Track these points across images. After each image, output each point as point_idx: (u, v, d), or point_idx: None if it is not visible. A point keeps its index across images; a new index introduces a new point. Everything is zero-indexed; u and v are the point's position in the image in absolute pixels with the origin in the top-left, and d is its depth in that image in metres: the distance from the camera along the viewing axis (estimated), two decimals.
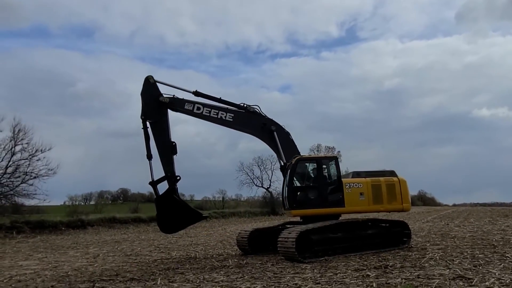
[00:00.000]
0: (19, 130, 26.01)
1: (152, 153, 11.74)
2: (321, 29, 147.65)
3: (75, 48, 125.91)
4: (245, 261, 10.20)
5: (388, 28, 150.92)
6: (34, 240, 21.37)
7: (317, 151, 58.81)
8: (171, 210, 11.44)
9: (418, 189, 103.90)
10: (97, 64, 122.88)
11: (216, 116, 11.91)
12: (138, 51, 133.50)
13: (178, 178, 11.70)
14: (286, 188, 11.19)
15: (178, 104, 11.92)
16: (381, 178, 11.50)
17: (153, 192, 11.90)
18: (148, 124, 11.74)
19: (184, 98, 12.05)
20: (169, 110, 11.99)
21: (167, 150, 11.68)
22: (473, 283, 6.10)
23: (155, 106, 11.72)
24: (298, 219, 12.09)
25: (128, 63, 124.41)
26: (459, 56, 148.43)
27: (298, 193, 11.28)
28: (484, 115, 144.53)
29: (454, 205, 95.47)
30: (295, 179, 11.25)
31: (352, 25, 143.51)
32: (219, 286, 7.04)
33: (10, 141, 25.78)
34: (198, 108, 11.91)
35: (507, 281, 6.13)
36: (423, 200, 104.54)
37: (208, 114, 11.88)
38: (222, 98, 12.13)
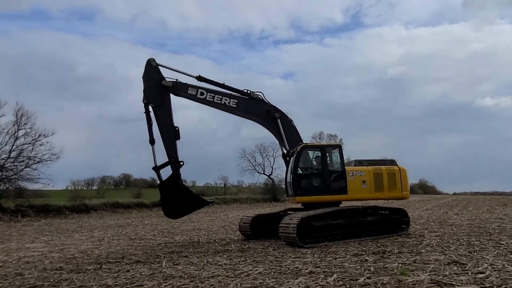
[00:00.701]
0: (21, 115, 26.27)
1: (154, 138, 11.66)
2: (325, 15, 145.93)
3: (75, 31, 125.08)
4: (247, 246, 10.47)
5: (393, 15, 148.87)
6: (39, 223, 21.77)
7: (319, 139, 58.97)
8: (176, 195, 11.41)
9: (419, 177, 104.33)
10: (98, 48, 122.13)
11: (219, 101, 11.74)
12: (140, 35, 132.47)
13: (181, 163, 11.55)
14: (291, 175, 11.29)
15: (181, 89, 11.71)
16: (383, 167, 11.78)
17: (157, 178, 11.79)
18: (150, 108, 11.56)
19: (187, 82, 11.87)
20: (171, 95, 11.81)
21: (170, 135, 11.48)
22: (466, 268, 6.32)
23: (158, 90, 11.49)
24: (299, 205, 12.32)
25: (129, 48, 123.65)
26: (465, 44, 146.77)
27: (303, 180, 11.34)
28: (487, 104, 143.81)
29: (455, 193, 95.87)
30: (299, 166, 11.35)
31: (357, 11, 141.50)
32: (222, 269, 7.28)
33: (13, 125, 26.05)
34: (202, 93, 11.71)
35: (499, 267, 6.35)
36: (423, 188, 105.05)
37: (212, 100, 11.71)
38: (225, 84, 11.97)
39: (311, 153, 11.72)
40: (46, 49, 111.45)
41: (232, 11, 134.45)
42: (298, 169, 11.28)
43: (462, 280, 5.50)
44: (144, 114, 11.58)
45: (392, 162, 12.11)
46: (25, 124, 26.30)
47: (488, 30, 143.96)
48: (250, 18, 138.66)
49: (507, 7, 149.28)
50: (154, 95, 11.49)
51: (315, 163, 11.57)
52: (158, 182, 11.86)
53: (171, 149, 11.44)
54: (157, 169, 11.51)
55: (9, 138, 25.93)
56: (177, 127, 11.63)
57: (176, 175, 11.51)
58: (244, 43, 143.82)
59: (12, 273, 7.72)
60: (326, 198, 11.12)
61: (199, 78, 11.91)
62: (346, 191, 11.17)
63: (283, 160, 12.42)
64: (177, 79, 11.74)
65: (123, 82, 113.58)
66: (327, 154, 11.51)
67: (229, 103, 11.77)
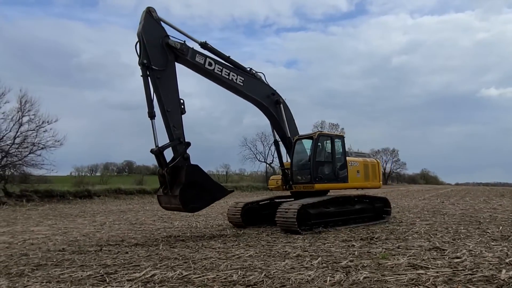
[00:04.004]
0: (25, 102, 26.68)
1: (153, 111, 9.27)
2: (329, 3, 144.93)
3: (78, 18, 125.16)
4: (242, 231, 10.84)
5: (399, 3, 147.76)
6: (43, 208, 22.30)
7: (321, 128, 59.28)
8: (194, 183, 9.23)
9: (422, 167, 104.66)
10: (101, 35, 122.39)
11: (227, 76, 10.49)
12: None
13: (189, 144, 9.53)
14: (311, 162, 11.10)
15: (188, 54, 9.89)
16: (367, 159, 12.91)
17: (158, 161, 9.37)
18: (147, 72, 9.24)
19: (194, 48, 10.24)
20: None
21: (177, 108, 9.48)
22: (445, 253, 6.67)
23: (160, 49, 9.46)
24: (283, 194, 12.68)
25: (133, 35, 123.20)
26: (471, 33, 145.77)
27: (320, 167, 11.32)
28: (492, 94, 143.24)
29: (457, 184, 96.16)
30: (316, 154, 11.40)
31: None
32: (215, 251, 7.67)
33: (18, 112, 26.49)
34: (210, 64, 10.23)
35: (477, 252, 6.69)
36: (425, 178, 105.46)
37: (219, 73, 10.38)
38: (231, 58, 10.83)
39: (324, 142, 11.74)
40: (50, 36, 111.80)
41: None
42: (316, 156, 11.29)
43: (437, 264, 5.84)
44: (142, 77, 9.20)
45: (369, 156, 13.75)
46: (29, 110, 26.79)
47: (494, 19, 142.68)
48: (253, 5, 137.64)
49: None
50: (157, 56, 9.34)
51: (326, 152, 11.70)
52: (160, 167, 9.45)
53: (177, 126, 9.40)
54: (160, 150, 9.17)
55: (14, 125, 26.43)
56: (182, 99, 9.67)
57: (187, 158, 9.44)
58: (247, 30, 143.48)
59: (17, 254, 8.16)
60: (335, 186, 11.57)
61: (204, 45, 10.39)
62: (347, 180, 11.72)
63: (275, 146, 12.32)
64: (184, 41, 9.97)
65: (126, 69, 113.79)
66: (335, 144, 11.83)
67: (236, 79, 10.67)
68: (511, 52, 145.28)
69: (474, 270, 5.44)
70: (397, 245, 7.77)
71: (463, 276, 5.12)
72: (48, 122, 26.99)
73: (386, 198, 12.91)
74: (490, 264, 5.79)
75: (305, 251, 7.37)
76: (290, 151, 11.83)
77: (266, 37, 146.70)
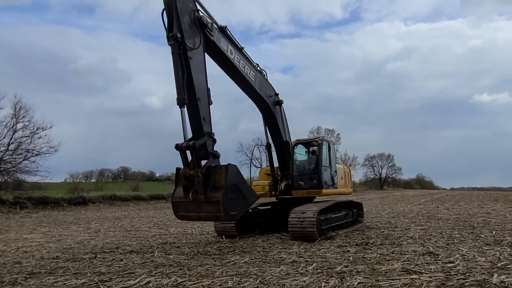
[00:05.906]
0: (20, 108, 26.64)
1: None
2: (325, 10, 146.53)
3: (75, 25, 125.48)
4: (238, 237, 10.83)
5: (392, 10, 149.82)
6: (37, 215, 22.13)
7: (317, 133, 59.54)
8: (237, 187, 7.74)
9: (417, 172, 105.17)
10: (98, 42, 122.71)
11: (243, 69, 9.67)
12: (140, 28, 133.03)
13: (215, 141, 8.09)
14: (318, 167, 11.12)
15: (215, 36, 8.63)
16: (344, 165, 13.70)
17: (186, 158, 7.57)
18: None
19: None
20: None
21: (207, 96, 8.14)
22: (438, 258, 6.73)
23: (193, 25, 7.98)
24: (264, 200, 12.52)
25: (130, 41, 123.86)
26: (463, 40, 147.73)
27: (324, 173, 11.28)
28: (484, 100, 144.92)
29: (452, 189, 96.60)
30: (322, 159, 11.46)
31: (356, 6, 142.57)
32: (211, 258, 7.67)
33: (12, 118, 26.44)
34: (231, 52, 9.27)
35: (470, 257, 6.75)
36: (421, 183, 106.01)
37: (238, 64, 9.47)
38: (244, 50, 9.99)
39: (324, 148, 11.64)
40: (46, 42, 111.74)
41: (232, 5, 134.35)
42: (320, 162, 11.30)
43: (431, 269, 5.89)
44: (173, 55, 7.45)
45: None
46: (23, 117, 26.78)
47: (486, 27, 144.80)
48: (250, 12, 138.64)
49: (505, 4, 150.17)
50: (188, 31, 7.77)
51: (327, 158, 11.64)
52: (187, 166, 7.54)
53: (207, 119, 7.99)
54: (195, 146, 7.41)
55: (8, 131, 26.39)
56: (208, 88, 8.28)
57: (218, 157, 7.97)
58: (243, 37, 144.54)
59: (10, 262, 8.09)
60: (333, 192, 11.72)
61: (222, 31, 9.21)
62: (337, 186, 11.89)
63: (267, 150, 12.05)
64: (212, 21, 8.66)
65: (123, 75, 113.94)
66: (331, 150, 11.89)
67: (249, 73, 9.92)
68: (502, 59, 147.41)
69: (467, 274, 5.49)
70: (392, 250, 7.81)
71: (455, 281, 5.17)
72: (42, 128, 27.01)
73: (361, 203, 13.45)
74: (483, 268, 5.85)
75: (300, 257, 7.39)
76: (284, 155, 11.73)
77: (261, 43, 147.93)
